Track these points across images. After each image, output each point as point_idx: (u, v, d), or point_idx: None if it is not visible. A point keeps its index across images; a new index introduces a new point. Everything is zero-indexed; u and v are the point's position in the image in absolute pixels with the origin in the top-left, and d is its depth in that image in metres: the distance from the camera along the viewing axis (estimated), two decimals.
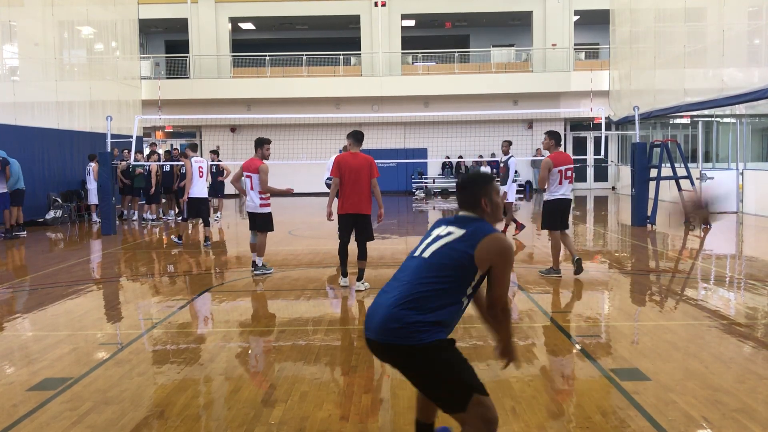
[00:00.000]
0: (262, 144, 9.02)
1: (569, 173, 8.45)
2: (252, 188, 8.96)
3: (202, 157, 12.73)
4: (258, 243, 9.11)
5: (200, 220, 12.89)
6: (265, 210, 9.05)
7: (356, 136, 7.85)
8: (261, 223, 9.07)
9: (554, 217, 8.50)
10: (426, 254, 3.12)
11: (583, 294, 7.80)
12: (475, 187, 3.25)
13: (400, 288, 3.05)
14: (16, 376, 4.96)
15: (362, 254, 7.92)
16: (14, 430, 3.94)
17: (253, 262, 9.15)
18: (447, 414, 3.09)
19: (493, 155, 27.00)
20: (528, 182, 27.54)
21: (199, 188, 11.94)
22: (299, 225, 15.60)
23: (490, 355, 5.24)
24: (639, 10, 21.99)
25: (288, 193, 9.24)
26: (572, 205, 8.81)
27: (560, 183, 8.42)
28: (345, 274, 8.17)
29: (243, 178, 9.11)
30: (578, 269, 8.43)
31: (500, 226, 12.28)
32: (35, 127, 16.99)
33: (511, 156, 12.40)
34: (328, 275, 9.13)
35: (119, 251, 12.13)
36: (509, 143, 12.63)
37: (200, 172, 11.99)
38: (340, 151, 11.32)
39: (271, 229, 9.21)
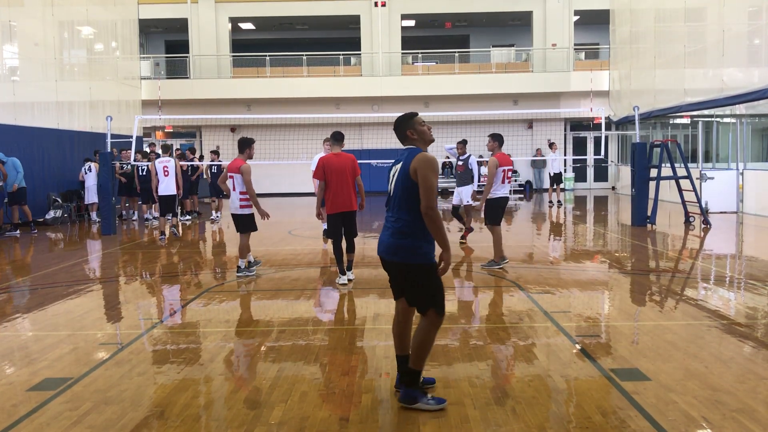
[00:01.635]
0: (249, 144, 8.86)
1: (510, 174, 9.22)
2: (234, 189, 8.81)
3: (175, 156, 13.78)
4: (240, 245, 8.93)
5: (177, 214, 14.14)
6: (246, 211, 8.87)
7: (336, 137, 8.22)
8: (243, 225, 8.90)
9: (498, 213, 9.21)
10: (393, 193, 4.21)
11: (583, 294, 7.80)
12: (401, 125, 4.31)
13: (390, 223, 4.20)
14: (16, 376, 4.96)
15: (351, 248, 8.32)
16: (14, 430, 3.94)
17: (238, 266, 8.99)
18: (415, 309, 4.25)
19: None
20: (528, 182, 27.53)
21: (164, 186, 13.04)
22: (299, 225, 15.59)
23: (489, 355, 5.25)
24: (639, 10, 21.99)
25: (261, 214, 8.81)
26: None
27: (502, 182, 9.12)
28: (343, 272, 8.29)
29: (229, 179, 8.89)
30: (488, 265, 9.23)
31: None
32: (35, 127, 17.00)
33: (470, 155, 12.05)
34: (328, 275, 9.14)
35: (119, 251, 12.13)
36: (464, 143, 12.25)
37: (165, 171, 13.01)
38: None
39: (254, 229, 9.03)
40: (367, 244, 11.46)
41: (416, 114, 4.36)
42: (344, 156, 8.10)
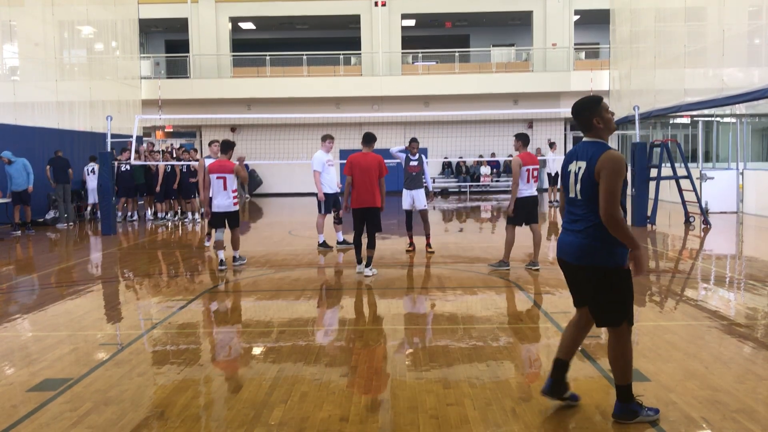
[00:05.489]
0: (233, 147, 9.65)
1: (535, 173, 9.00)
2: (225, 188, 9.37)
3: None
4: (234, 238, 9.75)
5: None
6: (237, 208, 9.59)
7: (365, 139, 8.90)
8: (234, 221, 9.62)
9: (520, 214, 9.03)
10: (577, 194, 3.81)
11: None
12: (585, 111, 3.82)
13: (577, 224, 3.85)
14: (16, 377, 4.96)
15: (371, 244, 8.88)
16: (14, 431, 3.94)
17: (234, 256, 9.81)
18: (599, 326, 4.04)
19: (493, 155, 27.04)
20: None
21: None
22: (299, 225, 15.59)
23: (489, 356, 5.25)
24: (639, 10, 21.99)
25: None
26: (538, 203, 9.27)
27: (527, 182, 8.96)
28: (360, 261, 8.95)
29: (214, 180, 9.38)
30: (535, 270, 9.00)
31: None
32: (35, 127, 17.00)
33: (420, 155, 11.00)
34: (328, 275, 9.14)
35: (119, 251, 12.13)
36: (417, 141, 11.01)
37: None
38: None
39: (238, 225, 9.89)
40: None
41: (602, 99, 3.90)
42: (371, 156, 8.74)
